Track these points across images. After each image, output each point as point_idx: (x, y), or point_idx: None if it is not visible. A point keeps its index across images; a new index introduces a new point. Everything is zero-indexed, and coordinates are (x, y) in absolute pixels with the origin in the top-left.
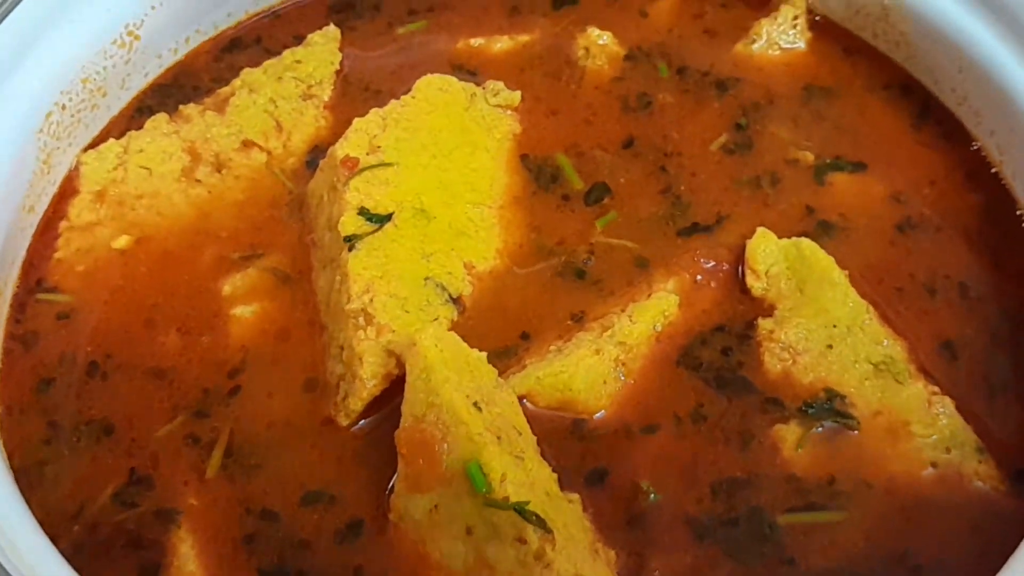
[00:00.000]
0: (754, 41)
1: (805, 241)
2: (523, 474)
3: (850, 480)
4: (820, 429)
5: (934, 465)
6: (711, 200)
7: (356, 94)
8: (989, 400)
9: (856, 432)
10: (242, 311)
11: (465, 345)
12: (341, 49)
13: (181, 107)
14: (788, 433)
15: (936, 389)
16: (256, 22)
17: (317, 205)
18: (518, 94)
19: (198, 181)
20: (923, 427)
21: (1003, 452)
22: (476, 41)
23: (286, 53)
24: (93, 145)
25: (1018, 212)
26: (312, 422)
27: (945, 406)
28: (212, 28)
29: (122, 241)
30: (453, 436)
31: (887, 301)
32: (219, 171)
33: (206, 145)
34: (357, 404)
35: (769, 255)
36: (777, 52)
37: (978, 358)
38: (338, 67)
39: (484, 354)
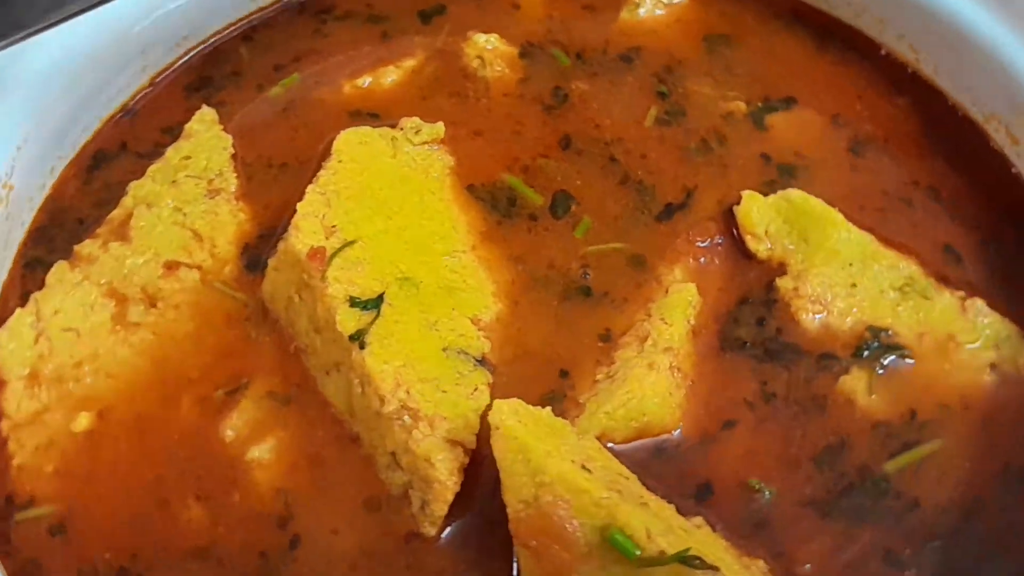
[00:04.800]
0: (637, 6)
1: (793, 191)
2: (658, 520)
3: (929, 408)
4: (881, 369)
5: (992, 366)
6: (672, 176)
7: (262, 175)
8: (1007, 287)
9: (912, 361)
10: (259, 453)
11: (536, 409)
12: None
13: (76, 248)
14: (855, 382)
15: (962, 293)
16: (113, 126)
17: (287, 309)
18: (441, 126)
19: (136, 325)
20: (967, 334)
21: None
22: (363, 80)
23: (169, 152)
24: None
25: (950, 103)
26: (395, 543)
27: (978, 307)
28: (72, 149)
29: (83, 421)
30: (579, 508)
31: (877, 225)
32: (154, 306)
33: (126, 282)
34: (442, 508)
35: (763, 215)
36: (662, 11)
37: (978, 253)
38: (232, 150)
39: (548, 409)
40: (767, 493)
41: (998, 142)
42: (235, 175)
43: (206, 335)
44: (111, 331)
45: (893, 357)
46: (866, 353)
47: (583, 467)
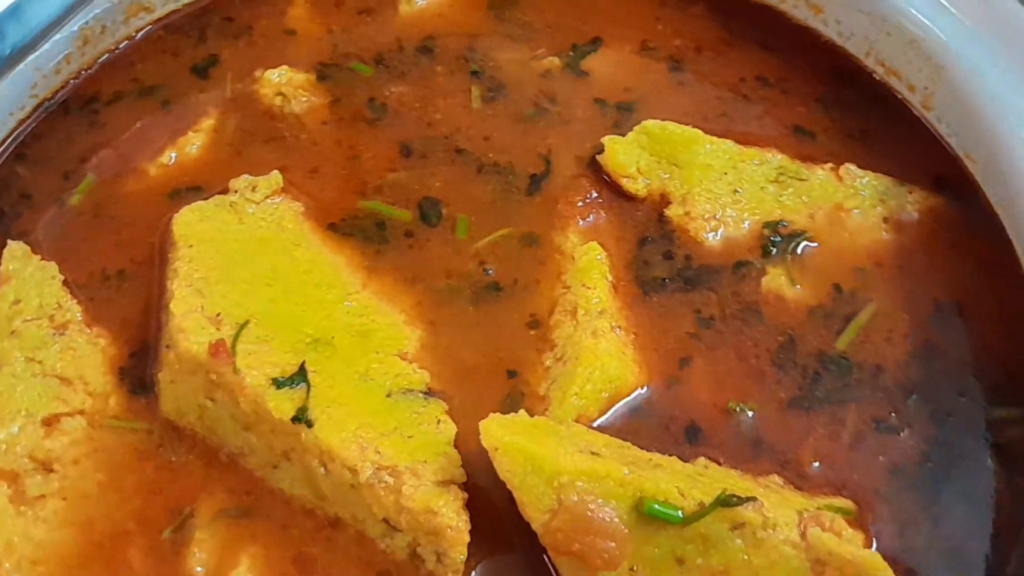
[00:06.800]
0: None
1: (649, 123)
2: (679, 476)
3: (848, 278)
4: (792, 259)
5: (885, 220)
6: (522, 148)
7: (103, 291)
8: (865, 142)
9: (816, 243)
10: None
11: (516, 416)
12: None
13: None
14: (776, 279)
15: (831, 164)
16: None
17: (201, 418)
18: (277, 175)
19: (41, 498)
20: (851, 199)
21: (909, 175)
22: (167, 157)
23: None
24: None
25: None
26: None
27: (851, 171)
28: None
29: None
30: (606, 495)
31: (727, 129)
32: (51, 471)
33: (9, 457)
34: (461, 552)
35: (628, 155)
36: None
37: (826, 123)
38: (61, 277)
39: (523, 412)
40: (749, 411)
41: (800, 17)
42: (75, 302)
43: (123, 479)
44: (16, 514)
45: (797, 244)
46: (773, 250)
47: (592, 453)
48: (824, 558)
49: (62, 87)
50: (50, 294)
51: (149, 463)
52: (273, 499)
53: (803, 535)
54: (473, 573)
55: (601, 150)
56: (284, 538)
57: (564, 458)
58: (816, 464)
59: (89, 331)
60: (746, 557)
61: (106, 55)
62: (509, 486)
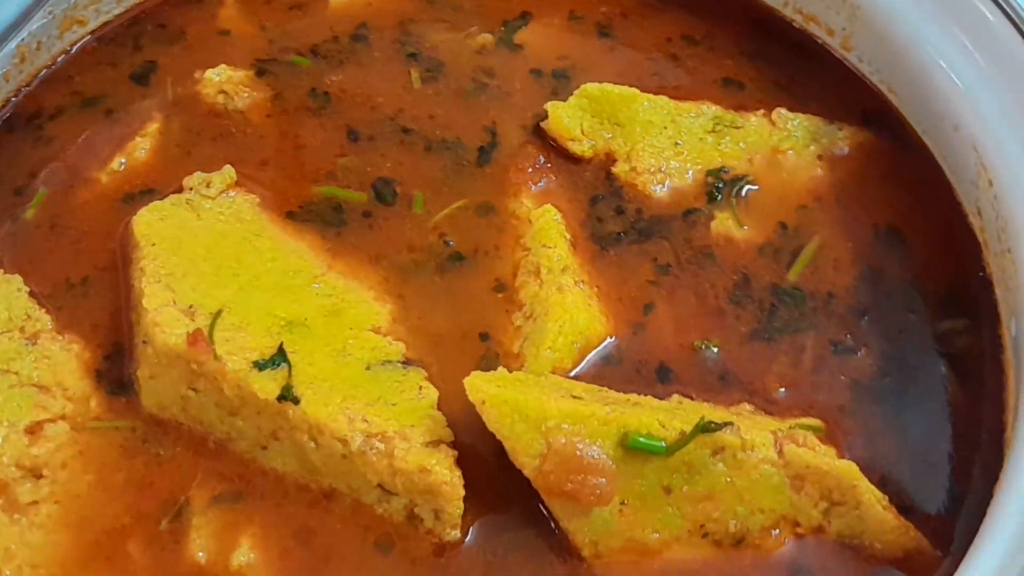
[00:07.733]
0: None
1: (588, 86)
2: (657, 410)
3: (791, 215)
4: (737, 202)
5: (819, 157)
6: (467, 123)
7: (70, 298)
8: (792, 89)
9: (756, 185)
10: (243, 558)
11: (497, 372)
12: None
13: None
14: (724, 223)
15: (763, 111)
16: None
17: (184, 409)
18: (230, 169)
19: (33, 503)
20: (786, 141)
21: (838, 114)
22: (117, 163)
23: None
24: None
25: None
26: (428, 565)
27: (783, 114)
28: None
29: None
30: (592, 434)
31: (661, 87)
32: (40, 476)
33: None
34: (458, 506)
35: (572, 119)
36: None
37: (754, 73)
38: (27, 288)
39: (502, 369)
40: (713, 348)
41: None
42: (43, 311)
43: (112, 476)
44: (11, 523)
45: (740, 188)
46: (718, 196)
47: (573, 398)
48: (802, 472)
49: (3, 105)
50: (18, 306)
51: (137, 459)
52: (266, 479)
53: (780, 453)
54: (471, 530)
55: (544, 117)
56: (281, 516)
57: (548, 403)
58: (782, 390)
59: (61, 338)
60: (729, 479)
61: (44, 71)
62: (498, 436)
